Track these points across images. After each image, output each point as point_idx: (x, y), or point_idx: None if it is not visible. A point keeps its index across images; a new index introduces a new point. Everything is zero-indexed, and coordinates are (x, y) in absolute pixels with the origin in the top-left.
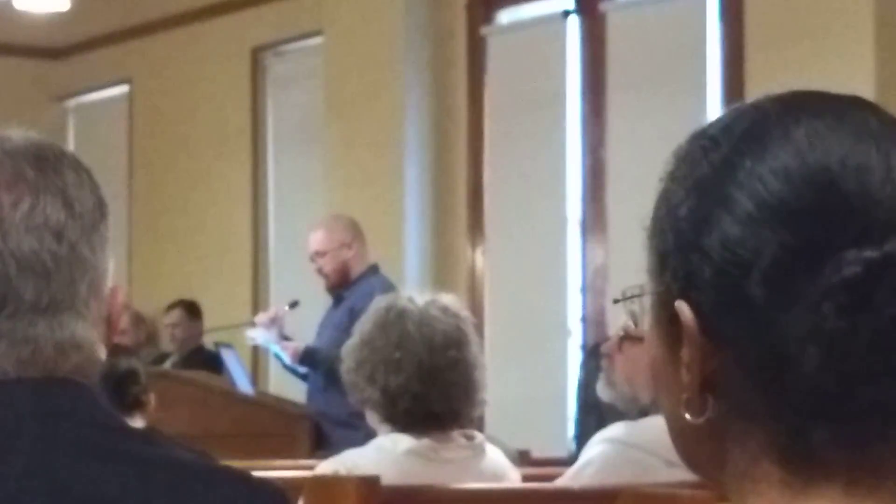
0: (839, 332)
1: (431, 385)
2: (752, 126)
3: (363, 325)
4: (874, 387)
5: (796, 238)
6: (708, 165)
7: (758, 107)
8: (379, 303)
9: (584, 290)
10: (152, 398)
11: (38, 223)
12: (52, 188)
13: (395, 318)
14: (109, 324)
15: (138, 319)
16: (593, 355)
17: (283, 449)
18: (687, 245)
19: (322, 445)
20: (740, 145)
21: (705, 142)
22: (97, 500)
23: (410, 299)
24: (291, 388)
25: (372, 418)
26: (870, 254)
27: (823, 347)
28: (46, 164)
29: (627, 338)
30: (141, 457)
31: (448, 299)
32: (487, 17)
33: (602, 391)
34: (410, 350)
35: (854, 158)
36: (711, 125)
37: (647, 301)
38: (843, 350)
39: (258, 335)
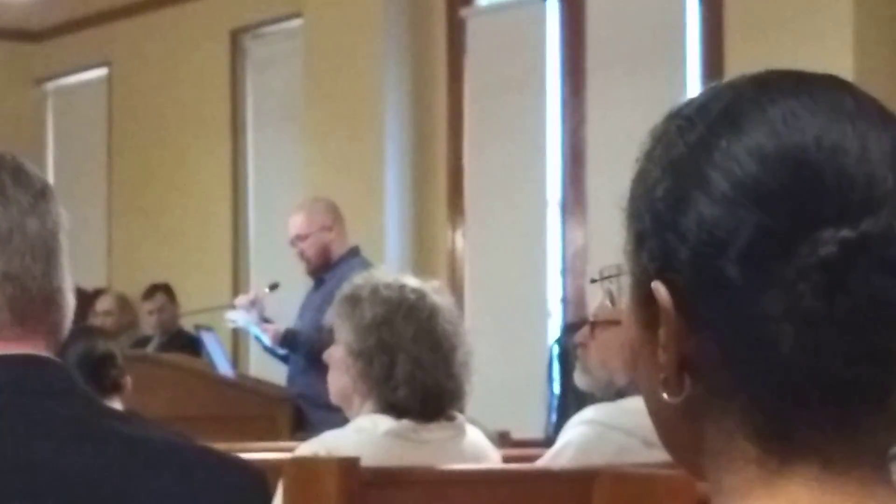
0: (815, 312)
1: (435, 374)
2: (728, 106)
3: (368, 310)
4: (850, 366)
5: (772, 218)
6: (683, 145)
7: (733, 86)
8: (384, 291)
9: (563, 271)
10: (129, 381)
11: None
12: None
13: (407, 313)
14: None
15: (124, 303)
16: (570, 334)
17: (264, 431)
18: (663, 225)
19: (303, 428)
20: (716, 125)
21: (681, 122)
22: (77, 478)
23: (415, 291)
24: (272, 371)
25: (360, 404)
26: (846, 234)
27: (799, 327)
28: None
29: (598, 323)
30: (121, 435)
31: (443, 297)
32: None
33: (579, 380)
34: (419, 343)
35: (829, 138)
36: (687, 105)
37: (625, 281)
38: (819, 330)
39: (238, 317)
